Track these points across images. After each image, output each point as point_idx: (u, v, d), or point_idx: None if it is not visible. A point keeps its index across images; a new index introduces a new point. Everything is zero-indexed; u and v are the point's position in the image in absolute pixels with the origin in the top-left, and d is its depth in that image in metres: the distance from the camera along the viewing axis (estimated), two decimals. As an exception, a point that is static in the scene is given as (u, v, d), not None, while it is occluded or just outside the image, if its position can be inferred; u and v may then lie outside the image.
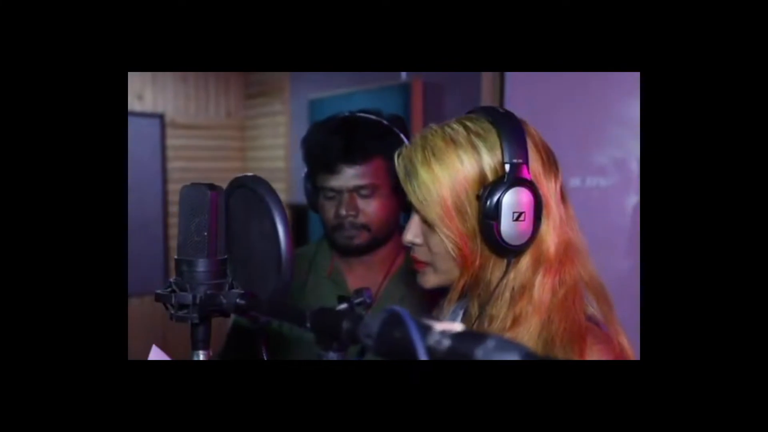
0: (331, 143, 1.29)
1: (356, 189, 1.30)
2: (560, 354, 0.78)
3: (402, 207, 1.33)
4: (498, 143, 0.84)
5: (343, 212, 1.29)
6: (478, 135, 0.85)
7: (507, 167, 0.83)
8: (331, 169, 1.29)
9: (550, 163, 0.89)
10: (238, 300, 0.69)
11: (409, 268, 1.38)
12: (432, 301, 1.29)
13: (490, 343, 0.45)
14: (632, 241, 2.20)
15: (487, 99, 2.60)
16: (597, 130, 2.30)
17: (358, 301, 0.60)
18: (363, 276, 1.39)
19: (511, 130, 0.85)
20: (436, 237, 0.87)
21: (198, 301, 0.72)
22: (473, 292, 0.91)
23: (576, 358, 0.77)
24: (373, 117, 1.34)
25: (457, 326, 0.48)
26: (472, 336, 0.46)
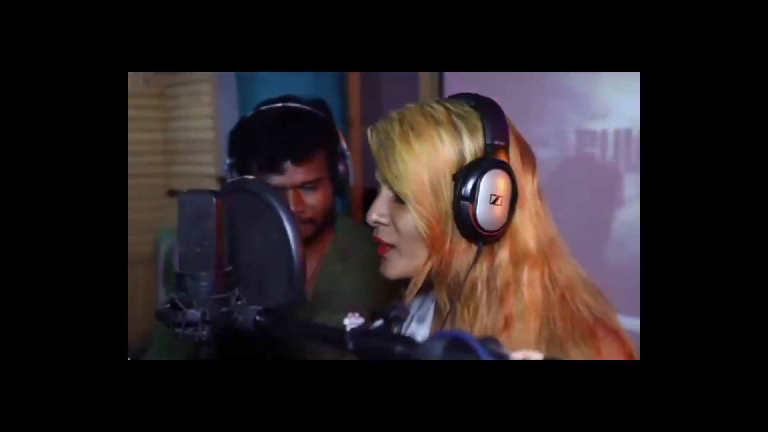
0: (274, 141, 1.23)
1: (302, 185, 1.26)
2: (574, 352, 0.77)
3: (338, 192, 1.33)
4: (479, 127, 0.82)
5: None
6: (459, 116, 0.83)
7: (488, 149, 0.81)
8: (276, 168, 1.23)
9: (528, 155, 0.87)
10: (257, 317, 0.65)
11: (340, 247, 1.37)
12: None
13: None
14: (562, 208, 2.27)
15: (425, 96, 2.55)
16: (536, 104, 2.33)
17: (393, 315, 0.58)
18: None
19: (494, 114, 0.83)
20: (406, 216, 0.84)
21: (208, 318, 0.67)
22: (441, 282, 0.87)
23: (591, 352, 0.77)
24: (306, 108, 1.30)
25: (535, 355, 0.47)
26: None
